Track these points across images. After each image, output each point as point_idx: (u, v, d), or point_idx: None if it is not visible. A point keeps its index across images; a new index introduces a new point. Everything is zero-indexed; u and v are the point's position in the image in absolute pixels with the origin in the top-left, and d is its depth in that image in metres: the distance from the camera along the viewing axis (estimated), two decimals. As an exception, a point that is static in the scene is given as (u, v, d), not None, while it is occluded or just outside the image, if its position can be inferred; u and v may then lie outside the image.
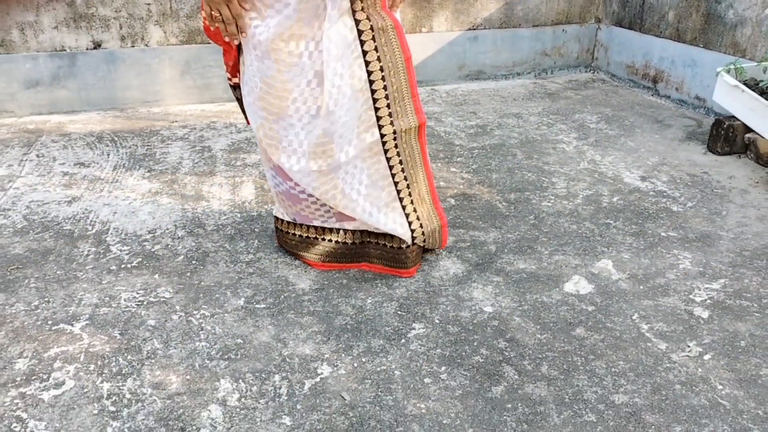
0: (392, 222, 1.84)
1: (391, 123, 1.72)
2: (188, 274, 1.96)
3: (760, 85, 2.70)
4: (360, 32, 1.59)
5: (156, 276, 1.95)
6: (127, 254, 2.07)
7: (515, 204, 2.43)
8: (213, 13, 1.53)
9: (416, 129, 1.77)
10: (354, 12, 1.55)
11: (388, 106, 1.69)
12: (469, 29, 3.94)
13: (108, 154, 2.91)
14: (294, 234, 1.98)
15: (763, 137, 2.67)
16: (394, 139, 1.74)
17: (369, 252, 1.94)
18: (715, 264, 2.01)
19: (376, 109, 1.69)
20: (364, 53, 1.61)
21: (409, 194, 1.85)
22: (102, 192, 2.52)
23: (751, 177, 2.63)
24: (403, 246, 1.87)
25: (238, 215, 2.35)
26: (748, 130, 2.75)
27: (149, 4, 3.41)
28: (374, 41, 1.61)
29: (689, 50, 3.40)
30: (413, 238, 1.88)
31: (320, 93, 1.60)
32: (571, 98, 3.73)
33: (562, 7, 4.03)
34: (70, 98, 3.45)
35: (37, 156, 2.88)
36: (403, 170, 1.80)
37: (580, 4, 4.07)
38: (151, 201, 2.45)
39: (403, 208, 1.85)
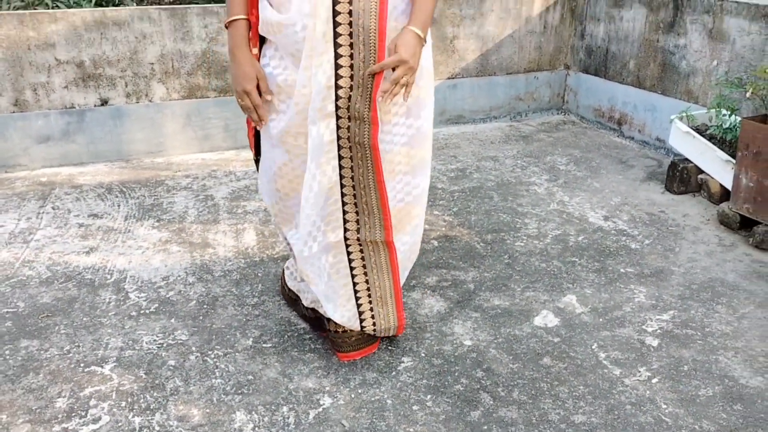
0: (340, 316, 1.87)
1: (357, 230, 1.77)
2: (201, 317, 2.21)
3: (708, 131, 3.01)
4: (339, 137, 1.66)
5: (172, 320, 2.19)
6: (144, 300, 2.32)
7: (491, 244, 2.70)
8: (239, 101, 1.76)
9: (384, 243, 1.80)
10: (338, 118, 1.63)
11: (357, 213, 1.75)
12: (449, 78, 4.26)
13: (118, 205, 3.16)
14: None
15: (713, 178, 2.97)
16: (359, 244, 1.80)
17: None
18: (666, 297, 2.28)
19: (344, 212, 1.75)
20: (340, 157, 1.68)
21: (369, 296, 1.88)
22: (116, 242, 2.77)
23: (703, 215, 2.92)
24: (340, 330, 1.93)
25: (242, 261, 2.60)
26: (701, 171, 3.06)
27: (153, 63, 3.69)
28: (350, 151, 1.68)
29: (649, 96, 3.72)
30: (362, 328, 1.92)
31: None
32: (544, 140, 4.03)
33: (533, 56, 4.36)
34: (79, 151, 3.71)
35: (53, 208, 3.12)
36: (365, 274, 1.84)
37: (550, 53, 4.40)
38: (163, 250, 2.70)
39: (359, 306, 1.88)
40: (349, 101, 1.62)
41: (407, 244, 1.89)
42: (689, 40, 3.40)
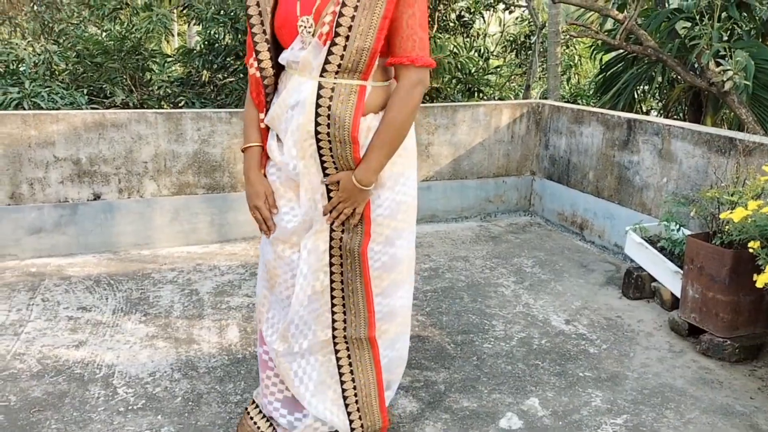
0: (330, 414, 2.00)
1: (344, 329, 1.96)
2: (186, 414, 2.33)
3: (660, 243, 3.30)
4: (331, 247, 1.90)
5: (159, 416, 2.31)
6: (132, 396, 2.44)
7: (461, 345, 2.89)
8: (252, 213, 1.96)
9: (367, 340, 1.98)
10: (332, 230, 1.89)
11: (344, 313, 1.95)
12: (424, 180, 4.55)
13: (107, 298, 3.29)
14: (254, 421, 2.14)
15: (665, 286, 3.23)
16: (345, 342, 1.97)
17: None
18: (620, 401, 2.47)
19: (333, 313, 1.95)
20: (331, 264, 1.91)
21: (355, 395, 2.02)
22: (105, 336, 2.90)
23: (656, 321, 3.16)
24: None
25: (226, 358, 2.74)
26: (654, 279, 3.32)
27: (146, 162, 3.92)
28: (341, 258, 1.90)
29: (608, 205, 4.04)
30: (352, 429, 2.04)
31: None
32: (512, 242, 4.30)
33: (501, 162, 4.70)
34: (68, 243, 3.86)
35: (43, 300, 3.25)
36: (352, 372, 2.00)
37: (517, 160, 4.75)
38: (149, 345, 2.83)
39: (347, 406, 2.02)
40: (340, 228, 1.88)
41: (386, 357, 2.07)
42: (642, 158, 3.75)
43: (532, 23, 9.05)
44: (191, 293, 3.39)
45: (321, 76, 1.76)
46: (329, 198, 1.86)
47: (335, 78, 1.76)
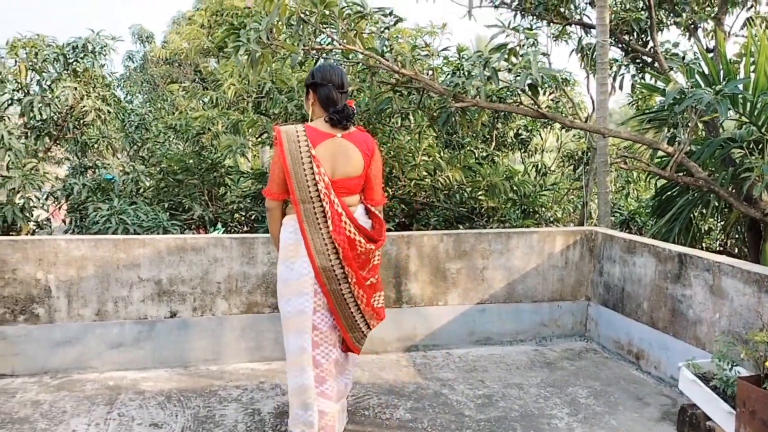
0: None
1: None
2: None
3: (713, 381, 3.30)
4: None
5: None
6: None
7: (513, 481, 2.93)
8: None
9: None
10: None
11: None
12: (478, 303, 4.70)
13: (176, 415, 3.51)
14: None
15: (719, 426, 3.20)
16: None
17: None
18: None
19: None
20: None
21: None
22: (174, 455, 3.09)
23: (712, 463, 3.12)
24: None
25: (284, 483, 2.87)
26: (709, 417, 3.30)
27: (219, 282, 4.25)
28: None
29: (662, 336, 4.07)
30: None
31: None
32: (567, 369, 4.33)
33: (556, 287, 4.82)
34: (145, 357, 4.16)
35: (119, 415, 3.50)
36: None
37: (572, 285, 4.86)
38: (214, 466, 3.00)
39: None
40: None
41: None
42: (694, 292, 3.82)
43: (588, 139, 9.32)
44: (254, 413, 3.57)
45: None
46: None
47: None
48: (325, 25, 4.68)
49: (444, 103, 5.23)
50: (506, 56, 4.85)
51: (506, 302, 4.77)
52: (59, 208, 7.54)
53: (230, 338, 4.31)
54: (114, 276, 4.08)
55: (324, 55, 5.16)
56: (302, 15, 4.50)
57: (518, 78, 4.91)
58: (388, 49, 5.07)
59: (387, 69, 5.02)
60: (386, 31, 5.09)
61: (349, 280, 2.93)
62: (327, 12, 4.61)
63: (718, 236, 8.10)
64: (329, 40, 5.12)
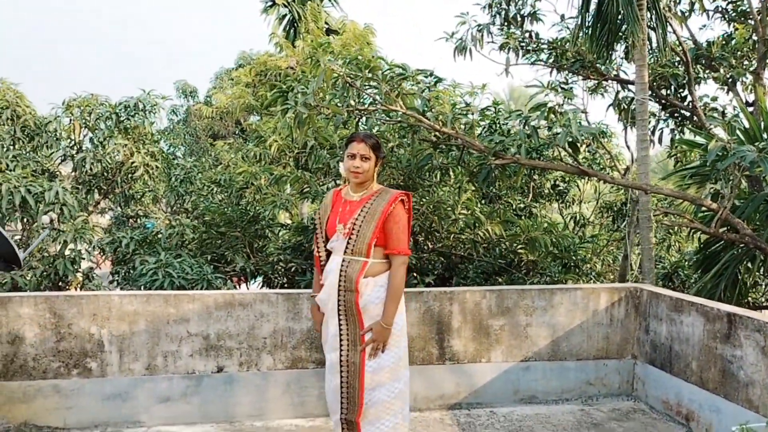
0: None
1: (346, 411, 3.24)
2: None
3: (770, 447, 3.21)
4: (340, 360, 3.23)
5: None
6: None
7: None
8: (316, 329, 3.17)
9: (355, 423, 3.20)
10: (341, 349, 3.22)
11: (348, 401, 3.23)
12: (522, 361, 4.67)
13: (223, 472, 3.54)
14: None
15: (780, 495, 3.10)
16: (344, 422, 3.28)
17: None
18: None
19: (341, 402, 3.25)
20: (340, 371, 3.23)
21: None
22: None
23: None
24: None
25: None
26: (767, 486, 3.19)
27: (265, 338, 4.31)
28: (347, 367, 3.23)
29: (713, 398, 3.98)
30: None
31: None
32: (615, 430, 4.25)
33: (601, 344, 4.77)
34: (191, 412, 4.21)
35: (168, 471, 3.54)
36: None
37: (617, 343, 4.80)
38: None
39: None
40: (347, 348, 3.20)
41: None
42: (744, 353, 3.74)
43: (627, 191, 9.26)
44: (300, 471, 3.58)
45: (344, 254, 3.19)
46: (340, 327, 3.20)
47: (351, 256, 3.18)
48: (368, 88, 4.85)
49: (484, 160, 5.32)
50: (545, 115, 4.93)
51: (551, 360, 4.72)
52: (105, 259, 7.77)
53: (275, 394, 4.34)
54: (164, 331, 4.19)
55: (367, 115, 5.32)
56: (348, 79, 4.67)
57: (557, 135, 4.99)
58: (429, 108, 5.21)
59: (428, 127, 5.14)
60: (426, 91, 5.24)
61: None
62: (369, 75, 4.77)
63: (765, 290, 7.92)
64: (371, 100, 5.28)
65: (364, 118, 5.61)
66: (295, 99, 4.55)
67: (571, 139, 4.89)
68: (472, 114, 5.17)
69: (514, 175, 5.54)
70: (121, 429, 4.10)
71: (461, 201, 6.35)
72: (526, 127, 4.90)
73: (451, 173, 6.10)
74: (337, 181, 6.31)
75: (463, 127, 5.40)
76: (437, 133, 5.28)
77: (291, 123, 4.66)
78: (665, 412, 4.47)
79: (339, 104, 4.76)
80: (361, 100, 5.16)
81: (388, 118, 5.52)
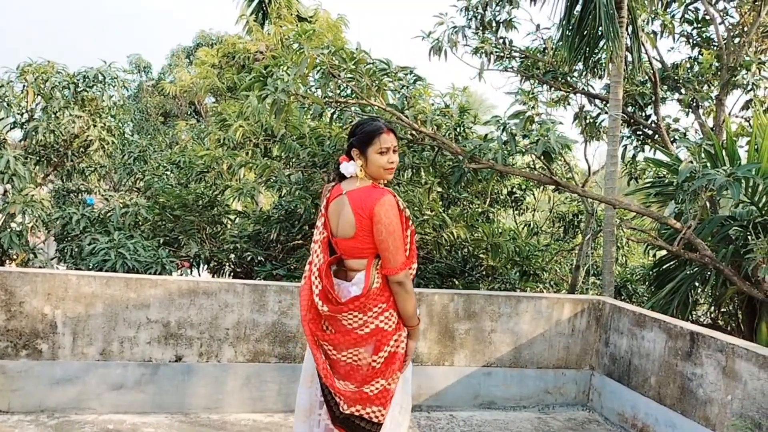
0: None
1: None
2: None
3: (728, 465, 3.30)
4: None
5: None
6: None
7: None
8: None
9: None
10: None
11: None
12: (484, 366, 4.68)
13: (181, 467, 3.40)
14: None
15: None
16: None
17: None
18: None
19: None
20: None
21: None
22: None
23: None
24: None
25: None
26: (723, 502, 3.29)
27: (228, 329, 4.18)
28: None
29: (670, 414, 4.07)
30: None
31: None
32: (571, 440, 4.31)
33: (561, 354, 4.82)
34: (145, 401, 4.04)
35: (121, 463, 3.38)
36: None
37: (577, 353, 4.86)
38: None
39: None
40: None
41: None
42: (705, 372, 3.85)
43: (581, 203, 9.45)
44: (260, 469, 3.48)
45: None
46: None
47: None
48: (351, 80, 4.76)
49: (457, 162, 5.30)
50: (523, 124, 4.95)
51: (512, 366, 4.75)
52: (49, 236, 7.41)
53: (234, 386, 4.21)
54: (122, 315, 4.00)
55: (344, 107, 5.22)
56: (331, 69, 4.56)
57: (533, 144, 5.02)
58: (408, 106, 5.16)
59: (405, 125, 5.09)
60: (405, 88, 5.19)
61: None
62: (354, 67, 4.68)
63: (709, 310, 8.21)
64: (349, 92, 5.19)
65: (338, 111, 5.52)
66: (275, 85, 4.41)
67: (545, 149, 4.92)
68: (450, 116, 5.15)
69: (485, 180, 5.55)
70: (69, 415, 3.90)
71: (426, 202, 6.33)
72: (504, 134, 4.91)
73: (422, 173, 6.07)
74: (313, 173, 6.17)
75: (435, 128, 5.38)
76: (413, 132, 5.24)
77: (268, 109, 4.52)
78: (620, 425, 4.56)
79: (319, 94, 4.65)
80: (340, 92, 5.07)
81: (363, 113, 5.44)
